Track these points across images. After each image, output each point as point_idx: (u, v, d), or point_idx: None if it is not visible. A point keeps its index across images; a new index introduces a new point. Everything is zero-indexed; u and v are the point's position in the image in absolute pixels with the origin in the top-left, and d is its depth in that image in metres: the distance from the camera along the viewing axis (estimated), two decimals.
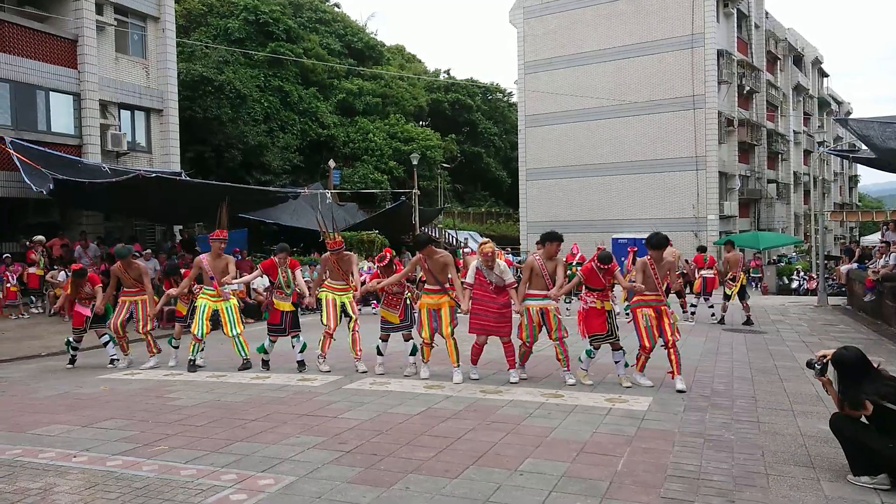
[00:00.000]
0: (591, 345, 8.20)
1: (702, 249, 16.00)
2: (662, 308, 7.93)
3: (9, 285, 15.91)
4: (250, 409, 7.06)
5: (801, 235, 48.45)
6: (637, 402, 7.15)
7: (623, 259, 15.48)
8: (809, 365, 5.16)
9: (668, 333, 7.80)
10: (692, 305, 15.12)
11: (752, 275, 33.93)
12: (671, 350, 7.77)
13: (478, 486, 4.68)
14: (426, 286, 8.67)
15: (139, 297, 10.17)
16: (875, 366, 4.93)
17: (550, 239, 8.24)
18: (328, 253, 9.35)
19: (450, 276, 8.48)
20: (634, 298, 8.10)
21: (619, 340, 8.19)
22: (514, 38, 41.76)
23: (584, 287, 8.40)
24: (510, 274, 8.40)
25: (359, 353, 9.12)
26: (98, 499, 4.53)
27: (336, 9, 47.24)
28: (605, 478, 4.83)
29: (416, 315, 9.14)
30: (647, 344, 7.90)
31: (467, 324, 8.46)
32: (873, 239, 27.17)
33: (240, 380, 8.68)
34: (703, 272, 15.06)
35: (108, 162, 18.98)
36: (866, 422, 4.74)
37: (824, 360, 4.99)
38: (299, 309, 9.71)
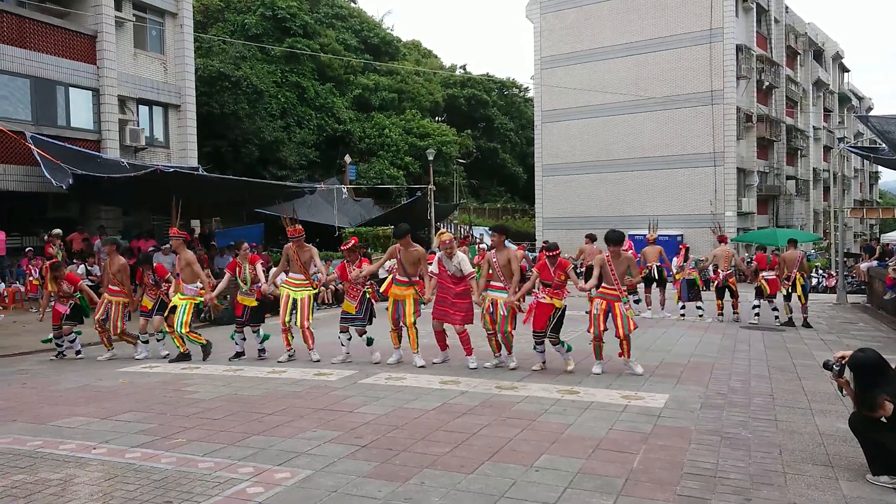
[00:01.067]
0: (533, 339, 8.71)
1: (762, 248, 15.74)
2: (615, 303, 8.33)
3: (31, 279, 16.09)
4: (267, 402, 7.10)
5: (821, 232, 47.95)
6: (653, 399, 7.12)
7: (674, 256, 15.38)
8: (827, 366, 5.10)
9: (619, 327, 8.25)
10: (755, 306, 14.27)
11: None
12: (622, 340, 8.35)
13: (493, 482, 4.68)
14: (397, 277, 9.10)
15: (115, 298, 10.21)
16: (894, 367, 4.88)
17: (499, 231, 8.95)
18: (289, 243, 9.61)
19: (420, 270, 9.01)
20: (598, 290, 8.58)
21: (557, 336, 8.62)
22: (531, 34, 41.61)
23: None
24: (468, 265, 8.86)
25: (310, 345, 9.49)
26: (117, 490, 4.58)
27: (352, 4, 47.32)
28: (621, 475, 4.82)
29: (372, 310, 9.51)
30: (591, 330, 8.44)
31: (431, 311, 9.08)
32: (894, 236, 26.89)
33: (256, 374, 8.74)
34: (763, 273, 14.18)
35: (126, 157, 19.14)
36: (885, 422, 4.69)
37: (842, 362, 4.94)
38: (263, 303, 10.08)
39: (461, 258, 8.80)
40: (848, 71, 63.48)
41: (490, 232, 8.95)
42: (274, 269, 10.34)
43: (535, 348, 8.81)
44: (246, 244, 10.17)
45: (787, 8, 45.55)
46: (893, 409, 4.58)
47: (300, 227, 9.60)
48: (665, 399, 7.10)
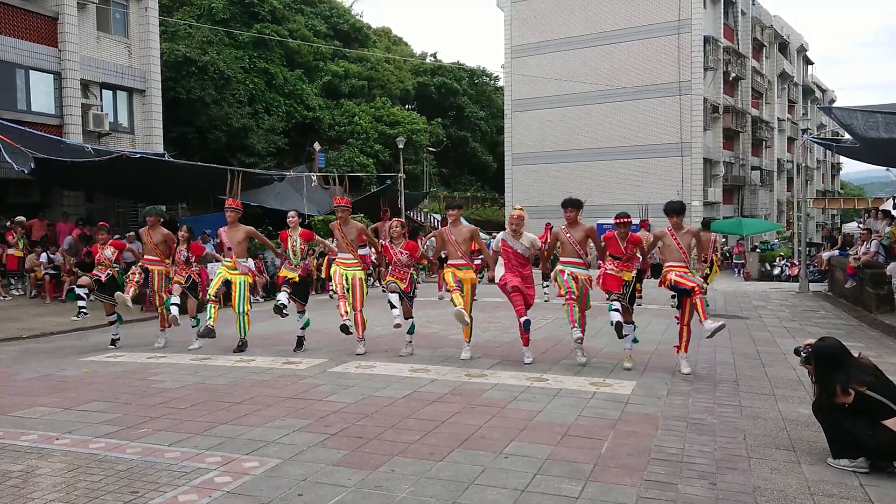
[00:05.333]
0: (608, 301, 7.99)
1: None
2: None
3: None
4: (235, 391, 7.03)
5: (784, 222, 48.86)
6: (621, 385, 7.19)
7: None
8: (797, 352, 5.21)
9: (685, 313, 7.73)
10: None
11: (734, 261, 34.35)
12: (683, 327, 7.81)
13: (463, 469, 4.69)
14: (450, 261, 8.64)
15: (156, 268, 9.84)
16: (856, 354, 5.00)
17: (574, 206, 8.21)
18: (334, 221, 9.20)
19: (474, 245, 8.60)
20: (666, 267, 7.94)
21: (630, 312, 8.13)
22: (502, 22, 41.59)
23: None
24: (539, 243, 8.49)
25: (360, 334, 9.02)
26: (81, 481, 4.50)
27: None
28: (590, 461, 4.86)
29: (417, 292, 9.15)
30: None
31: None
32: (854, 226, 27.45)
33: (224, 362, 8.64)
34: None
35: (90, 142, 18.72)
36: (846, 407, 4.79)
37: (809, 349, 5.05)
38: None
39: (531, 238, 8.29)
40: (812, 63, 64.56)
41: (564, 208, 8.16)
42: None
43: (609, 304, 7.94)
44: (295, 213, 9.59)
45: (753, 0, 46.13)
46: (854, 396, 4.68)
47: (348, 198, 9.11)
48: (633, 386, 7.18)
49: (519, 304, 8.10)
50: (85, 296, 10.18)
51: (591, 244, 8.46)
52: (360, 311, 8.97)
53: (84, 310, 10.32)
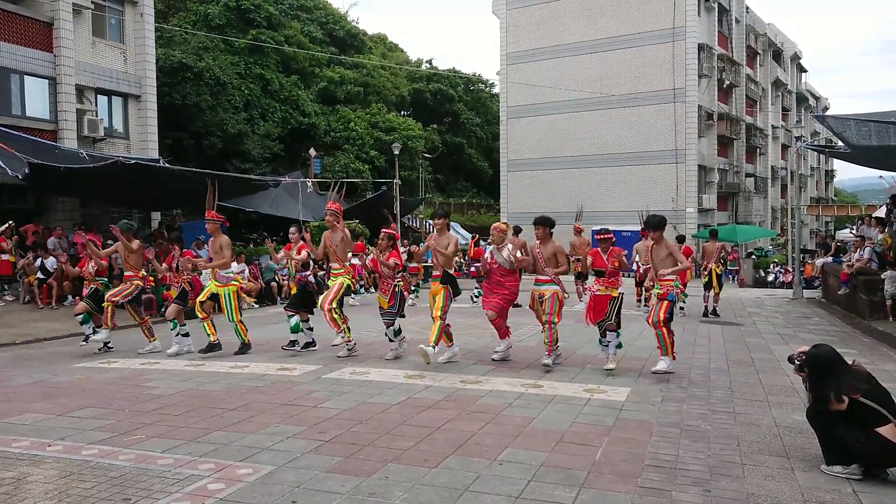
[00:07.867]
0: (599, 333, 8.43)
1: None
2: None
3: None
4: (229, 398, 7.01)
5: (778, 229, 49.01)
6: (615, 392, 7.20)
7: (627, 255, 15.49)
8: (791, 361, 5.23)
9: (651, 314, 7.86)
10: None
11: (728, 267, 34.45)
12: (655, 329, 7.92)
13: (457, 476, 4.68)
14: (434, 273, 8.90)
15: (135, 282, 9.97)
16: (850, 362, 5.01)
17: (543, 224, 8.42)
18: (326, 231, 9.30)
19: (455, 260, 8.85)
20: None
21: (617, 322, 8.21)
22: (497, 29, 41.69)
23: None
24: (517, 253, 8.60)
25: (337, 328, 9.10)
26: (73, 488, 4.47)
27: None
28: (584, 467, 4.86)
29: (404, 304, 9.21)
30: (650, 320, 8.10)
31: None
32: (845, 233, 27.60)
33: (218, 369, 8.62)
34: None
35: (84, 148, 18.69)
36: (839, 414, 4.80)
37: (803, 357, 5.06)
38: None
39: (510, 248, 8.55)
40: (805, 71, 64.92)
41: (534, 226, 8.48)
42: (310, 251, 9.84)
43: (600, 343, 8.46)
44: (296, 228, 9.90)
45: (747, 8, 46.39)
46: (847, 403, 4.69)
47: (338, 204, 9.20)
48: (627, 392, 7.18)
49: (501, 331, 8.78)
50: (84, 322, 10.09)
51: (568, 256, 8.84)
52: (328, 309, 8.95)
53: (91, 338, 10.09)
